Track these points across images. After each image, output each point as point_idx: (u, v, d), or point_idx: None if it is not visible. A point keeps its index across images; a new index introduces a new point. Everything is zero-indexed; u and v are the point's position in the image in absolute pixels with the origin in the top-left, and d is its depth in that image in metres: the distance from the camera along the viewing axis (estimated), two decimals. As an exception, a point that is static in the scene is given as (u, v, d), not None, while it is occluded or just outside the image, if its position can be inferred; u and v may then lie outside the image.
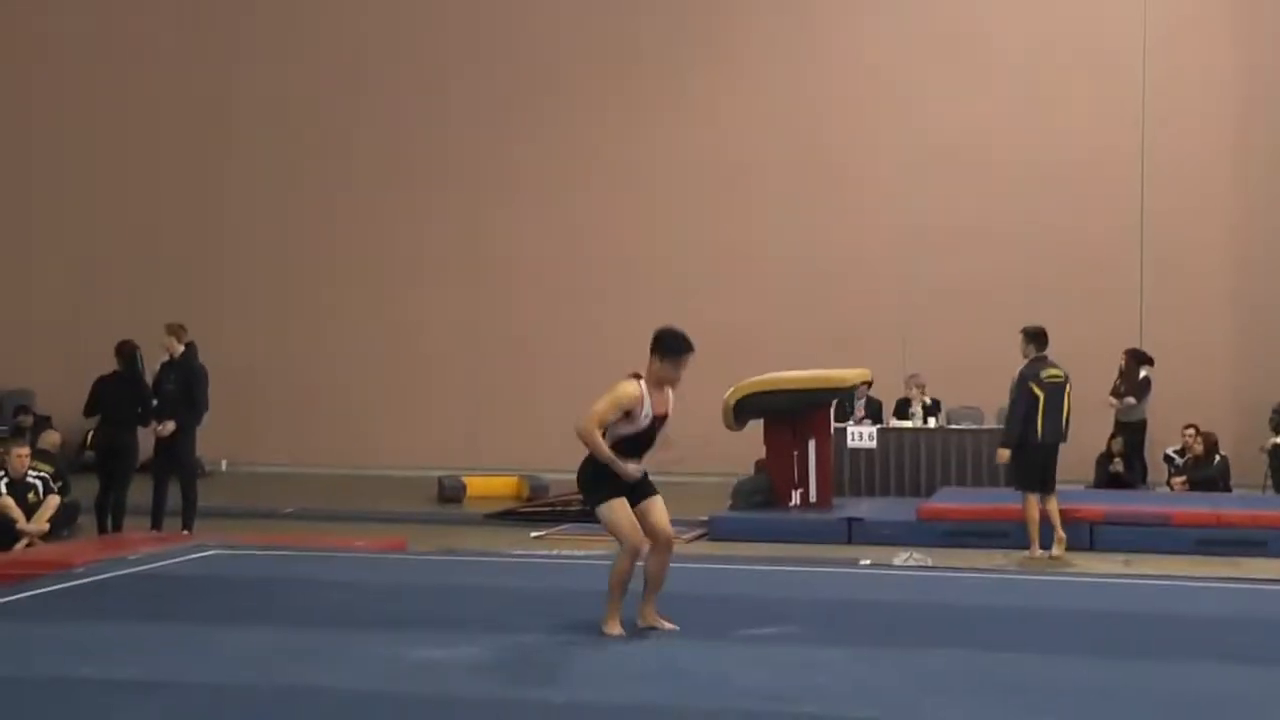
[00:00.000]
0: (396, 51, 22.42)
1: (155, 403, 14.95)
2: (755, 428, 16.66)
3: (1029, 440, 13.90)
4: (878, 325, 20.10)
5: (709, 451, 19.19)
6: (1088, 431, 18.72)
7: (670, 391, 9.25)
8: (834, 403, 17.32)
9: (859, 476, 17.97)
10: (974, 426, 18.42)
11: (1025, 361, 14.05)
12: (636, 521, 9.11)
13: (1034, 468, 13.95)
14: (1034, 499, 13.93)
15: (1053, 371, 13.99)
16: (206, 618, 9.77)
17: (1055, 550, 13.88)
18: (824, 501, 16.16)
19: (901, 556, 13.71)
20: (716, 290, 21.17)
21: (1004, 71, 20.76)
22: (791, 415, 16.26)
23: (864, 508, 16.02)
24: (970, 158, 20.66)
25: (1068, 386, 14.03)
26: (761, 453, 16.77)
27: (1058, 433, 14.03)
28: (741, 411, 16.45)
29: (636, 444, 9.15)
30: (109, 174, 23.04)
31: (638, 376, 9.15)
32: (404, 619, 9.71)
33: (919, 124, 20.73)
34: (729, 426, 16.63)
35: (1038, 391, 13.85)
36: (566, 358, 21.51)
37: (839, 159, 21.08)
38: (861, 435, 18.15)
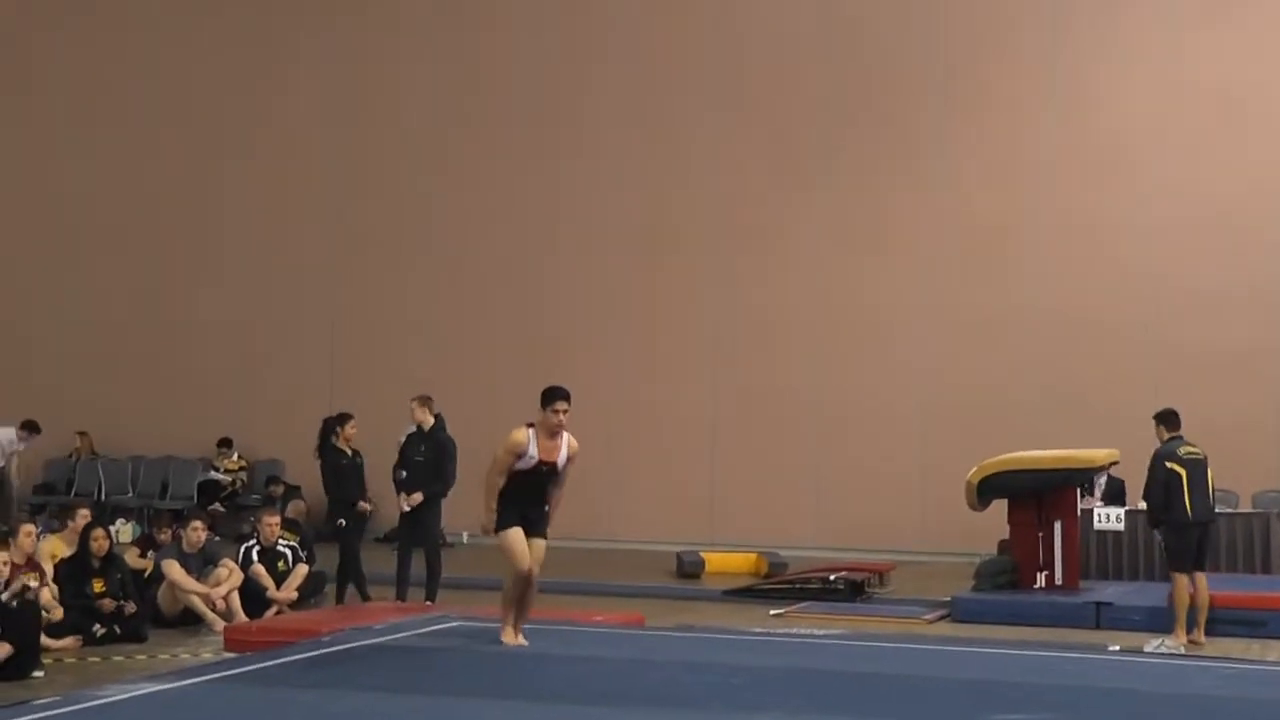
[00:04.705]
0: (648, 111, 22.55)
1: (404, 474, 15.20)
2: (998, 506, 16.34)
3: (1179, 520, 13.55)
4: (1130, 394, 19.41)
5: (952, 530, 19.04)
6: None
7: (564, 443, 11.21)
8: (1082, 482, 16.92)
9: (1106, 559, 17.46)
10: (1228, 510, 17.77)
11: (1161, 443, 13.79)
12: (526, 549, 11.19)
13: (1186, 548, 13.59)
14: (1184, 581, 13.56)
15: (1190, 449, 13.72)
16: (448, 690, 9.88)
17: (1196, 635, 13.49)
18: (1071, 584, 15.76)
19: (1153, 644, 13.31)
20: (966, 356, 20.78)
21: (1269, 124, 20.05)
22: (1037, 495, 15.93)
23: (1112, 591, 15.57)
24: (1236, 220, 19.95)
25: (1208, 464, 13.71)
26: (1005, 532, 16.44)
27: (1209, 510, 13.73)
28: (985, 491, 16.16)
29: (526, 484, 11.14)
30: (360, 248, 23.64)
31: (530, 425, 11.19)
32: (643, 695, 9.69)
33: (1180, 184, 20.17)
34: (972, 506, 16.35)
35: (1178, 469, 13.55)
36: (808, 430, 21.36)
37: (1096, 221, 20.54)
38: (1109, 517, 17.66)
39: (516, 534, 11.18)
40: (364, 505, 15.51)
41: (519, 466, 11.14)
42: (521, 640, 11.50)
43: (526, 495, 11.22)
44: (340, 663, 10.88)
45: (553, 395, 11.22)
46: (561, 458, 11.26)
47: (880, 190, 21.51)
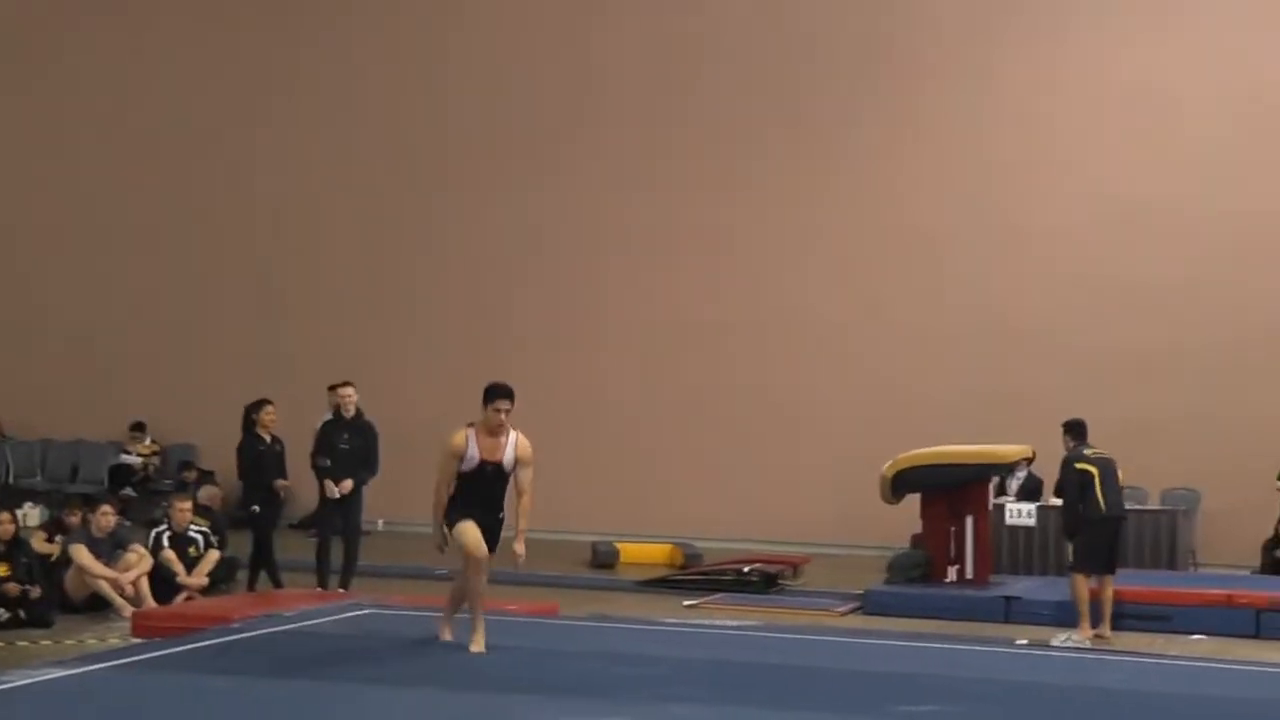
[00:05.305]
0: (582, 118, 22.52)
1: (328, 462, 15.03)
2: (911, 501, 16.45)
3: (1092, 516, 13.71)
4: (1046, 394, 19.43)
5: (866, 524, 19.15)
6: (1257, 516, 18.26)
7: (508, 441, 10.60)
8: (994, 478, 17.08)
9: (1017, 554, 17.64)
10: (1137, 507, 17.97)
11: (1068, 449, 13.98)
12: (480, 539, 10.49)
13: (1099, 546, 13.75)
14: (1083, 579, 13.71)
15: (1098, 450, 13.90)
16: (358, 677, 9.82)
17: (1102, 629, 13.65)
18: (981, 578, 15.89)
19: (1060, 637, 13.45)
20: (892, 355, 20.89)
21: (1191, 127, 20.12)
22: (950, 490, 16.04)
23: (1021, 586, 15.71)
24: (1156, 217, 20.09)
25: (1116, 464, 13.90)
26: (918, 526, 16.55)
27: (1120, 505, 13.93)
28: (899, 485, 16.27)
29: (474, 486, 10.54)
30: (283, 232, 23.48)
31: (470, 425, 10.65)
32: (554, 685, 9.68)
33: (1102, 183, 20.32)
34: (886, 500, 16.46)
35: (1089, 468, 13.72)
36: (727, 424, 21.39)
37: (1020, 220, 20.66)
38: (1021, 512, 17.84)
39: (466, 524, 10.49)
40: (281, 483, 15.36)
41: (462, 469, 10.56)
42: (448, 636, 11.00)
43: (475, 500, 10.55)
44: (251, 649, 10.80)
45: (493, 393, 10.60)
46: (508, 458, 10.57)
47: (811, 194, 21.55)
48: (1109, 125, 20.50)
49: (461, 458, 10.53)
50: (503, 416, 10.56)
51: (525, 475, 10.70)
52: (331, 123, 23.40)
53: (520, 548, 10.69)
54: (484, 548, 10.52)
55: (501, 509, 10.73)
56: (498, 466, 10.59)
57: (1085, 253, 20.32)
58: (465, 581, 10.74)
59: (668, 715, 8.87)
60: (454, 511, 10.58)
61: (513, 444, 10.63)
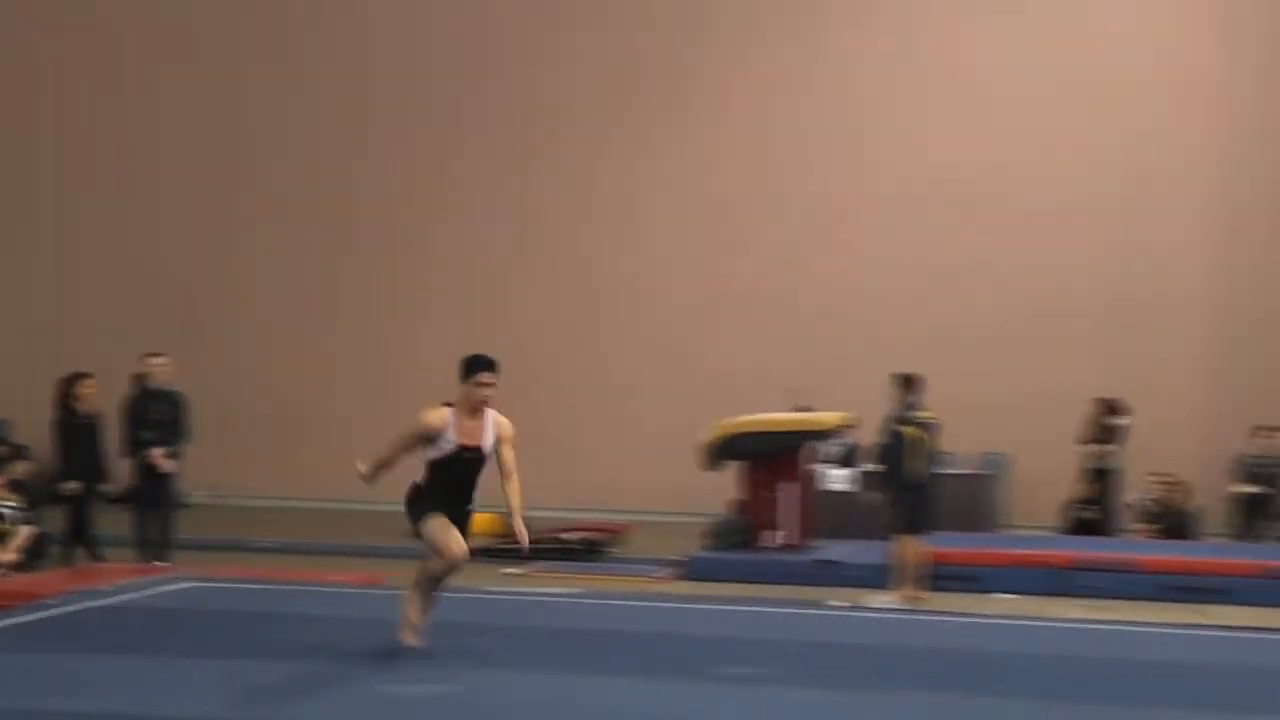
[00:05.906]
0: (400, 87, 22.44)
1: (149, 435, 14.81)
2: (733, 467, 16.62)
3: (912, 481, 13.96)
4: (871, 364, 19.82)
5: (685, 491, 19.35)
6: (1058, 478, 18.77)
7: (489, 423, 9.51)
8: (814, 444, 17.32)
9: (835, 519, 17.89)
10: (950, 471, 18.32)
11: (896, 406, 14.16)
12: (452, 536, 9.52)
13: (920, 508, 14.00)
14: (907, 541, 13.99)
15: (924, 413, 14.13)
16: (179, 651, 9.73)
17: (916, 590, 13.95)
18: (801, 543, 16.12)
19: (876, 599, 13.72)
20: (709, 327, 21.16)
21: (997, 107, 20.69)
22: (769, 456, 16.23)
23: (840, 550, 15.96)
24: (963, 193, 20.60)
25: (937, 429, 14.16)
26: (737, 492, 16.73)
27: (931, 471, 14.19)
28: (719, 452, 16.41)
29: (449, 475, 9.51)
30: (100, 203, 23.04)
31: (448, 404, 9.47)
32: (378, 655, 9.68)
33: (914, 159, 20.75)
34: (706, 467, 16.58)
35: (909, 431, 13.94)
36: (552, 394, 21.45)
37: (833, 193, 21.04)
38: (839, 478, 18.13)
39: (439, 521, 9.52)
40: (107, 488, 15.05)
41: (435, 455, 9.43)
42: (414, 640, 9.81)
43: (449, 491, 9.55)
44: (65, 625, 10.63)
45: (476, 365, 9.42)
46: (488, 441, 9.48)
47: (625, 163, 21.73)
48: (919, 102, 20.93)
49: (433, 439, 9.39)
50: (487, 393, 9.41)
51: (509, 455, 9.66)
52: (157, 84, 23.04)
53: (520, 526, 9.74)
54: (465, 550, 9.57)
55: (472, 500, 9.70)
56: (477, 451, 9.49)
57: (897, 229, 20.81)
58: (434, 569, 9.77)
59: (492, 683, 8.92)
60: (424, 504, 9.54)
61: (492, 425, 9.54)
